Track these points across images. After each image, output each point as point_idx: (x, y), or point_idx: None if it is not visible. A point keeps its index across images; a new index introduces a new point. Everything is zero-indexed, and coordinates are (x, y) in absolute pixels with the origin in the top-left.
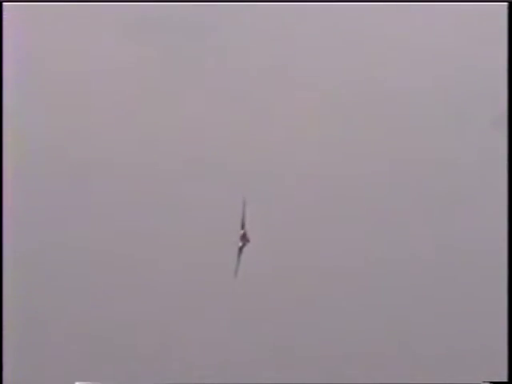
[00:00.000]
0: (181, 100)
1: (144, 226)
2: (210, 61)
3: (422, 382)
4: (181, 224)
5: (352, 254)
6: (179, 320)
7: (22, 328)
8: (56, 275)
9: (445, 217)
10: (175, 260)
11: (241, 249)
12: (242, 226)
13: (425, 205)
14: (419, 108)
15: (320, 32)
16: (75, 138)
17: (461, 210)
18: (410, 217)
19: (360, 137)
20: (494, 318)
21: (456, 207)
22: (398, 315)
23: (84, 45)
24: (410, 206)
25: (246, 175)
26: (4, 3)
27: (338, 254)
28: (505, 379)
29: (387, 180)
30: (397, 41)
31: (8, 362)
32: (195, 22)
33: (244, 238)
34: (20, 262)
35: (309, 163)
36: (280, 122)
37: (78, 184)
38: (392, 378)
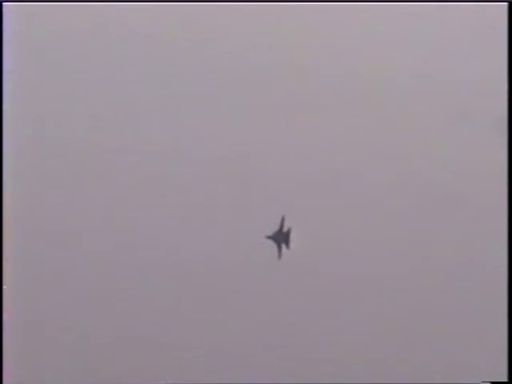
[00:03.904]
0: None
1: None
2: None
3: (422, 382)
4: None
5: (349, 256)
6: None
7: (22, 328)
8: (57, 274)
9: (444, 217)
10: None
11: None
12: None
13: (424, 205)
14: (418, 108)
15: (324, 28)
16: (76, 137)
17: (460, 210)
18: (410, 217)
19: (359, 137)
20: (494, 318)
21: (455, 208)
22: (397, 315)
23: (86, 45)
24: (409, 206)
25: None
26: (4, 3)
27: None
28: (505, 379)
29: (385, 180)
30: (396, 41)
31: (8, 362)
32: None
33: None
34: (20, 260)
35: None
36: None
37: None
38: (391, 377)
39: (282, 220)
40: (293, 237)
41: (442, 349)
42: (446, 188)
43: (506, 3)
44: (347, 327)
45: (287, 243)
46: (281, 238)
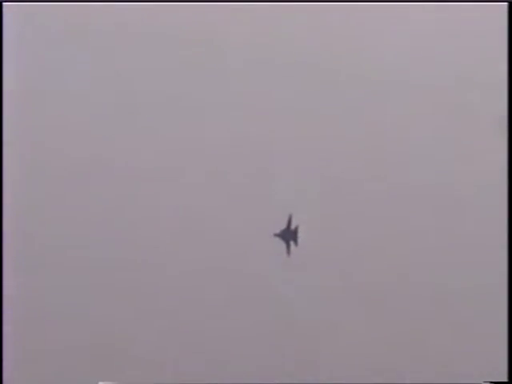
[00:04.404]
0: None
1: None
2: None
3: (422, 382)
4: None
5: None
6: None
7: (22, 328)
8: (57, 275)
9: (444, 217)
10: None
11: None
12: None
13: (424, 205)
14: (418, 108)
15: (324, 28)
16: (76, 137)
17: (460, 210)
18: (410, 217)
19: (360, 135)
20: (494, 318)
21: (455, 208)
22: (399, 315)
23: (87, 46)
24: (409, 206)
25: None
26: (4, 3)
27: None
28: (505, 379)
29: (384, 180)
30: (396, 40)
31: (8, 362)
32: None
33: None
34: (20, 260)
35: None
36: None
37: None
38: (392, 377)
39: (290, 218)
40: (300, 234)
41: (442, 349)
42: (445, 188)
43: (505, 3)
44: (351, 325)
45: (295, 240)
46: (289, 235)
